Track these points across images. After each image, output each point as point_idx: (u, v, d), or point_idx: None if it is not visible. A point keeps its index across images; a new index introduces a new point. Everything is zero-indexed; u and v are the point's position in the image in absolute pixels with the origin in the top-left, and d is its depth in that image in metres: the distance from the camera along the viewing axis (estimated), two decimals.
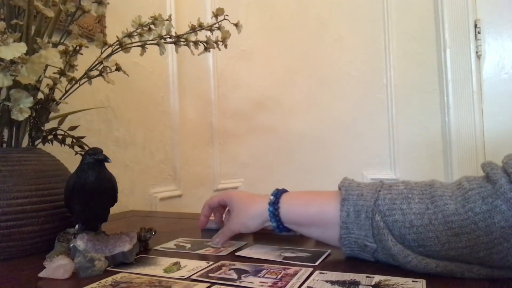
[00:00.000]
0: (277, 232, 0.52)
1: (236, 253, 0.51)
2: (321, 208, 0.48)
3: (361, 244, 0.44)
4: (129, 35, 0.69)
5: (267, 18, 1.54)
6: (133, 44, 0.70)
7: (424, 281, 0.38)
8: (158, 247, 0.56)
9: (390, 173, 1.51)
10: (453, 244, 0.39)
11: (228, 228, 0.56)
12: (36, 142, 0.65)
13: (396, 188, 0.44)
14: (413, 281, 0.38)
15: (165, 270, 0.45)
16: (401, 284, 0.38)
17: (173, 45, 0.73)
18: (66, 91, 0.67)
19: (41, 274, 0.44)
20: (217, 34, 0.76)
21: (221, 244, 0.56)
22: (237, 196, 0.57)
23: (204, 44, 0.75)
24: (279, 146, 1.55)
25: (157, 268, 0.46)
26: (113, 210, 0.55)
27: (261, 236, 0.60)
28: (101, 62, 0.67)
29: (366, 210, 0.43)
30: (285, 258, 0.48)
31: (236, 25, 0.75)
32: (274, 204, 0.51)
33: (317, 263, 0.46)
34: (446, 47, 1.39)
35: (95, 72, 0.68)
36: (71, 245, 0.47)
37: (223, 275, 0.42)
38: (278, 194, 0.52)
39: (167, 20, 0.70)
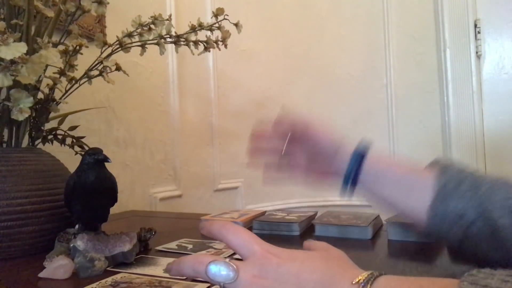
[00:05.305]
0: (343, 187, 0.48)
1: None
2: (413, 170, 0.44)
3: (458, 213, 0.39)
4: (129, 35, 0.69)
5: (267, 18, 1.54)
6: (133, 44, 0.70)
7: None
8: (160, 247, 0.56)
9: None
10: None
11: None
12: (36, 142, 0.65)
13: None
14: None
15: (165, 270, 0.45)
16: None
17: (173, 45, 0.73)
18: (66, 91, 0.67)
19: (41, 274, 0.44)
20: (217, 34, 0.76)
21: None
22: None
23: (204, 44, 0.75)
24: None
25: (157, 268, 0.46)
26: (113, 210, 0.55)
27: (261, 238, 0.60)
28: (101, 62, 0.67)
29: (469, 180, 0.40)
30: None
31: (236, 25, 0.75)
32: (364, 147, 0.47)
33: None
34: (446, 47, 1.39)
35: (95, 72, 0.68)
36: (71, 245, 0.47)
37: None
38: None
39: (167, 20, 0.70)
